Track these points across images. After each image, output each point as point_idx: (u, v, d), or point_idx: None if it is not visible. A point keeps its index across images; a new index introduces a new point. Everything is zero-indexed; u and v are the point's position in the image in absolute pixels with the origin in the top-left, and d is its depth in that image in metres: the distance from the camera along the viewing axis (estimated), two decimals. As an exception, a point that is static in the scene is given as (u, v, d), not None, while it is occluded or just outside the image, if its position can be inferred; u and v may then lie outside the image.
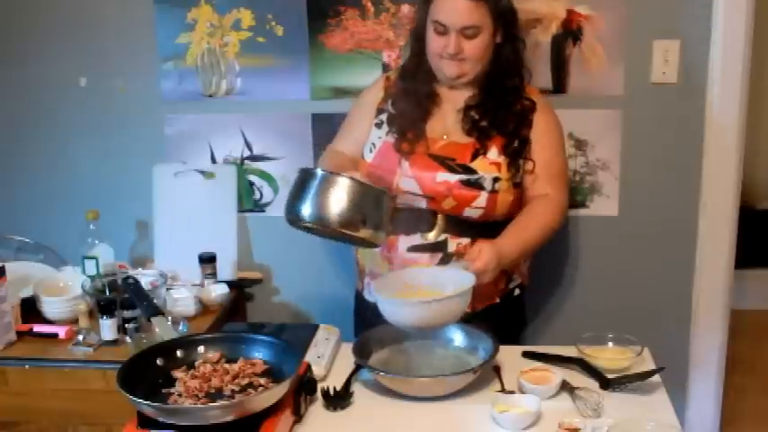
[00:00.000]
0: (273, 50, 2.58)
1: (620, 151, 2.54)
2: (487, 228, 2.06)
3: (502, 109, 2.08)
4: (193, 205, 2.65)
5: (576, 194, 2.58)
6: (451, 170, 2.05)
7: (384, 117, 2.15)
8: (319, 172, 1.81)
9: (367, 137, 2.16)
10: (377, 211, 1.81)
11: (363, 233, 1.80)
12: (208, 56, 2.61)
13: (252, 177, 2.70)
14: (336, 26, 2.53)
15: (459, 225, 2.07)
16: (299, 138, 2.62)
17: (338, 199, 1.77)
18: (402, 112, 2.12)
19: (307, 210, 1.78)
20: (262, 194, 2.70)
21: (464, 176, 2.04)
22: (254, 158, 2.68)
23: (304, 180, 1.82)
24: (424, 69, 2.12)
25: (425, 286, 1.89)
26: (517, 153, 2.07)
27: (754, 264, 3.78)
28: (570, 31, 2.47)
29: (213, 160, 2.69)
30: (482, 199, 2.03)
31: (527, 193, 2.10)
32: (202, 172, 2.67)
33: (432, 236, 2.07)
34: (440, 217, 2.07)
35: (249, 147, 2.67)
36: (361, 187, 1.79)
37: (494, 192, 2.04)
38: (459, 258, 1.99)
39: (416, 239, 2.08)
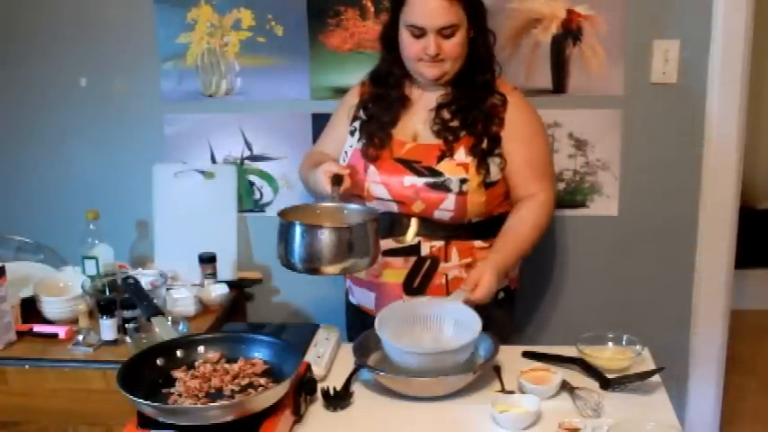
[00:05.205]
0: (273, 50, 2.58)
1: (620, 151, 2.54)
2: (461, 229, 2.06)
3: (473, 107, 2.05)
4: (193, 205, 2.65)
5: (575, 194, 2.58)
6: (417, 173, 2.03)
7: (357, 124, 2.15)
8: (297, 227, 1.85)
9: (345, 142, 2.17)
10: (361, 242, 1.86)
11: (353, 266, 1.88)
12: (208, 56, 2.61)
13: (252, 177, 2.70)
14: (336, 26, 2.53)
15: (432, 227, 2.06)
16: (299, 138, 2.61)
17: (323, 246, 1.83)
18: (371, 117, 2.11)
19: (297, 259, 1.86)
20: (262, 194, 2.70)
21: (430, 179, 2.02)
22: (254, 158, 2.68)
23: (286, 232, 1.87)
24: (396, 73, 2.11)
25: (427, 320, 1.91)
26: (487, 152, 2.04)
27: (754, 264, 3.78)
28: (570, 31, 2.47)
29: (213, 160, 2.69)
30: (450, 201, 2.01)
31: (513, 192, 2.09)
32: (202, 172, 2.67)
33: (408, 238, 2.08)
34: (413, 220, 2.06)
35: (249, 147, 2.67)
36: (338, 231, 1.84)
37: (461, 194, 2.01)
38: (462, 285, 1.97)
39: (390, 243, 2.07)
